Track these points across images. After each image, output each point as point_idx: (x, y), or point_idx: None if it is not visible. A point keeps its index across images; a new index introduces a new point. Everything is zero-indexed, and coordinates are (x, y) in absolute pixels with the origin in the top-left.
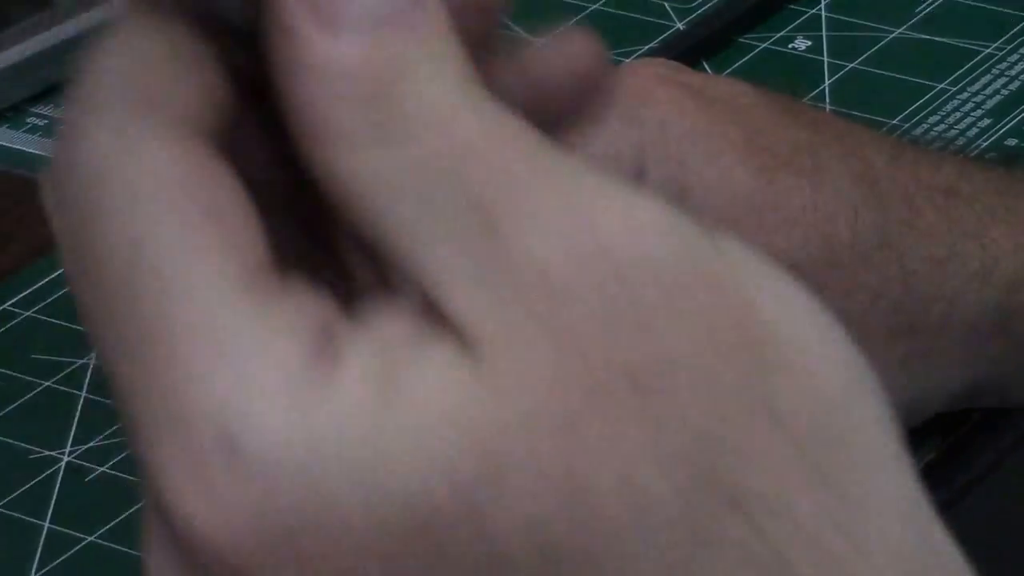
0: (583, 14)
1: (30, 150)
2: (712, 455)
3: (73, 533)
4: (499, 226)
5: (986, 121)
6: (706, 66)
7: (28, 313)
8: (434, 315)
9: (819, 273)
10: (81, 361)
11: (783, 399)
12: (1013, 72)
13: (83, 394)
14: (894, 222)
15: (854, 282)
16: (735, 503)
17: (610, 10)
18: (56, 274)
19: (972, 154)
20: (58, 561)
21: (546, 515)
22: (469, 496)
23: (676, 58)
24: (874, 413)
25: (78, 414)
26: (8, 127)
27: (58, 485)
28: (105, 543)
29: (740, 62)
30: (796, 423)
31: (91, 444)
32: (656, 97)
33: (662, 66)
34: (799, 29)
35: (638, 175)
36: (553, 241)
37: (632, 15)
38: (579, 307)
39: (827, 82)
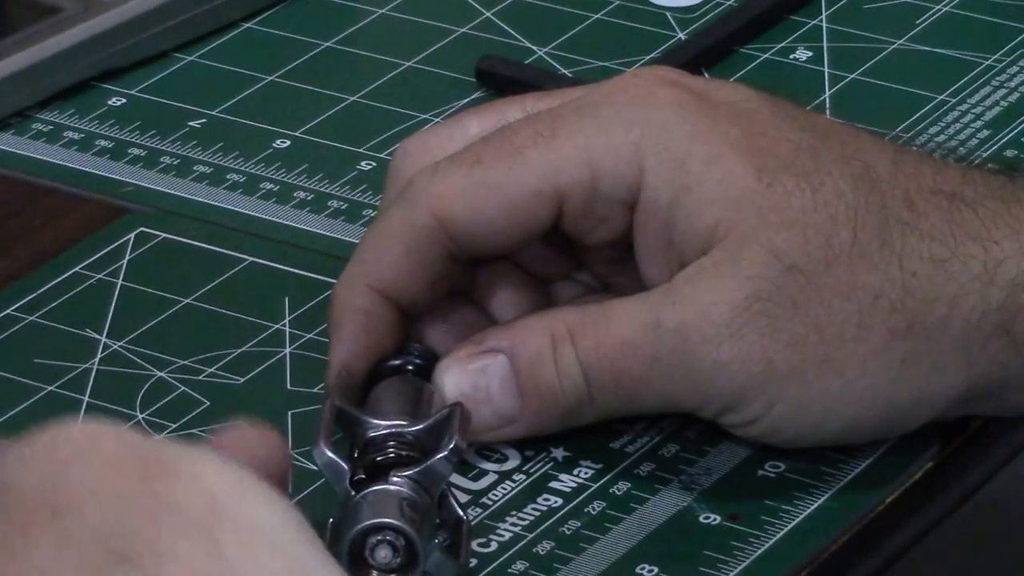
0: (585, 24)
1: (35, 156)
2: (111, 536)
3: None
4: None
5: (985, 132)
6: (707, 76)
7: (31, 318)
8: None
9: (819, 273)
10: (84, 366)
11: (172, 497)
12: (1012, 84)
13: (85, 399)
14: (895, 223)
15: (854, 283)
16: (127, 558)
17: (612, 20)
18: (59, 279)
19: (974, 162)
20: None
21: None
22: None
23: (678, 68)
24: (256, 492)
25: (81, 419)
26: (13, 133)
27: None
28: None
29: (741, 72)
30: (183, 507)
31: None
32: (658, 99)
33: (666, 71)
34: (800, 40)
35: (637, 175)
36: None
37: (634, 25)
38: None
39: (827, 93)
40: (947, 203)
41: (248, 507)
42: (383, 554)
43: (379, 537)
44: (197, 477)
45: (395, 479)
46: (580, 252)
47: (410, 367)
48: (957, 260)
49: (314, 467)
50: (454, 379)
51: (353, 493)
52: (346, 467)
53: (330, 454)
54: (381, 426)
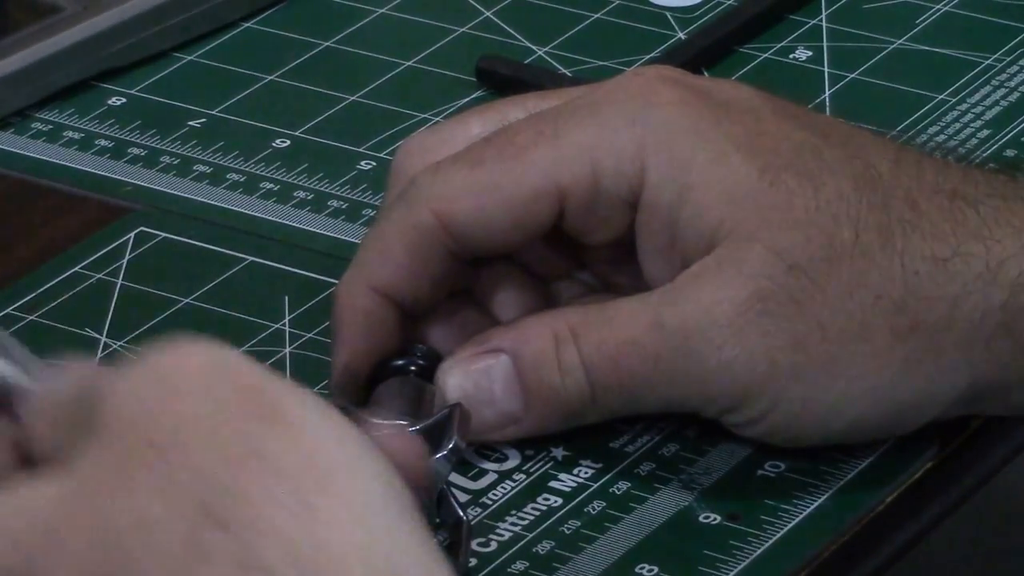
0: (585, 23)
1: (34, 155)
2: (208, 490)
3: None
4: None
5: (985, 132)
6: (707, 76)
7: (31, 318)
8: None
9: (821, 272)
10: None
11: (271, 446)
12: (1012, 83)
13: None
14: (897, 222)
15: (856, 281)
16: (224, 525)
17: (612, 19)
18: (59, 279)
19: (975, 162)
20: None
21: (86, 555)
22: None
23: (677, 67)
24: (355, 451)
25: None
26: (13, 132)
27: None
28: None
29: (741, 72)
30: (281, 462)
31: None
32: (660, 97)
33: (667, 70)
34: (800, 40)
35: (639, 173)
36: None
37: (634, 24)
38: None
39: (827, 92)
40: (948, 202)
41: (351, 473)
42: None
43: None
44: (303, 428)
45: None
46: (581, 251)
47: (413, 368)
48: (959, 259)
49: None
50: (457, 379)
51: None
52: None
53: None
54: (382, 426)
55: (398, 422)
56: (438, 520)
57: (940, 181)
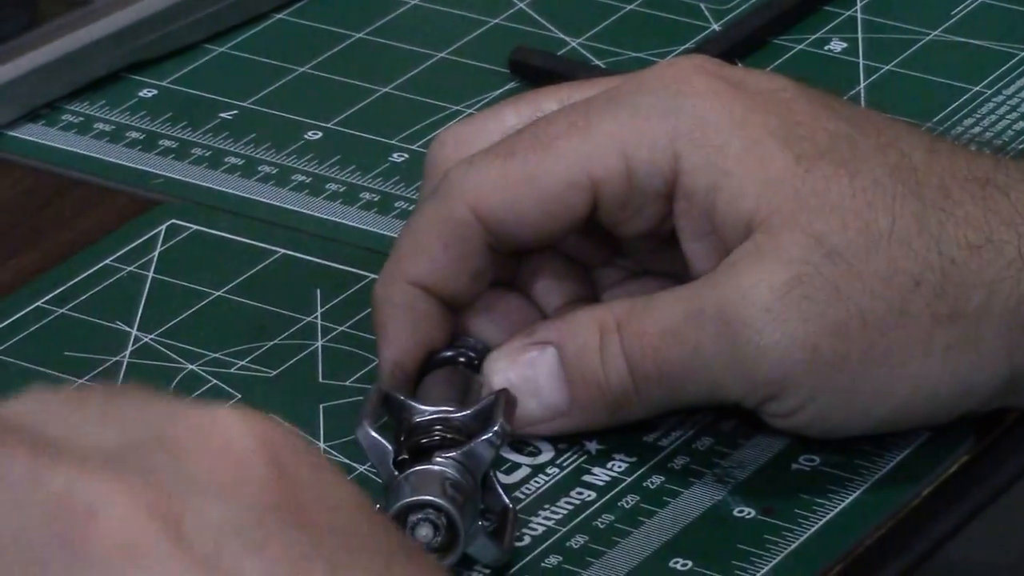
0: (618, 15)
1: (65, 147)
2: None
3: None
4: None
5: (1021, 124)
6: (741, 66)
7: (62, 311)
8: None
9: (859, 259)
10: (115, 359)
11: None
12: None
13: None
14: (931, 209)
15: (894, 268)
16: None
17: (646, 11)
18: (89, 272)
19: (1008, 154)
20: None
21: None
22: None
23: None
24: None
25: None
26: (43, 124)
27: None
28: None
29: (775, 63)
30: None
31: None
32: (693, 87)
33: (702, 60)
34: (835, 31)
35: (672, 164)
36: None
37: (668, 16)
38: None
39: (862, 84)
40: (980, 190)
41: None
42: (424, 532)
43: (420, 515)
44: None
45: (439, 460)
46: (620, 240)
47: (462, 359)
48: (992, 246)
49: (350, 459)
50: (502, 371)
51: (396, 473)
52: (390, 447)
53: (374, 434)
54: (427, 411)
55: (443, 408)
56: (483, 507)
57: (972, 169)
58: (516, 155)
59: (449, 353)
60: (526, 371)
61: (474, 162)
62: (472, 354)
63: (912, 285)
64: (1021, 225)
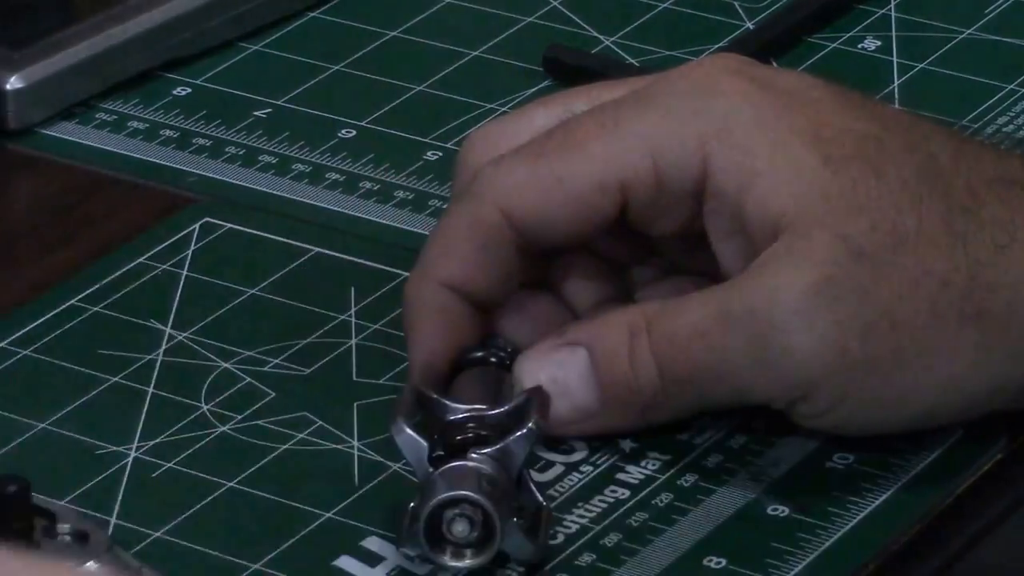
0: (653, 13)
1: (99, 145)
2: None
3: (140, 529)
4: None
5: None
6: (775, 66)
7: (95, 309)
8: None
9: (887, 260)
10: (148, 357)
11: None
12: None
13: (150, 390)
14: (958, 210)
15: (922, 268)
16: None
17: (680, 9)
18: (123, 270)
19: None
20: None
21: None
22: None
23: (744, 57)
24: None
25: (145, 410)
26: (77, 123)
27: (125, 481)
28: (171, 539)
29: (809, 62)
30: None
31: (158, 440)
32: (722, 88)
33: (731, 59)
34: (868, 29)
35: (701, 164)
36: None
37: (701, 14)
38: None
39: (896, 82)
40: (1007, 191)
41: None
42: (460, 528)
43: (456, 511)
44: None
45: (474, 456)
46: (651, 239)
47: (493, 359)
48: (1018, 246)
49: (384, 459)
50: (533, 371)
51: (431, 470)
52: (425, 444)
53: (409, 431)
54: (461, 410)
55: (477, 406)
56: (519, 505)
57: (999, 169)
58: (544, 156)
59: (480, 353)
60: (556, 372)
61: (503, 163)
62: (503, 354)
63: (940, 285)
64: None
